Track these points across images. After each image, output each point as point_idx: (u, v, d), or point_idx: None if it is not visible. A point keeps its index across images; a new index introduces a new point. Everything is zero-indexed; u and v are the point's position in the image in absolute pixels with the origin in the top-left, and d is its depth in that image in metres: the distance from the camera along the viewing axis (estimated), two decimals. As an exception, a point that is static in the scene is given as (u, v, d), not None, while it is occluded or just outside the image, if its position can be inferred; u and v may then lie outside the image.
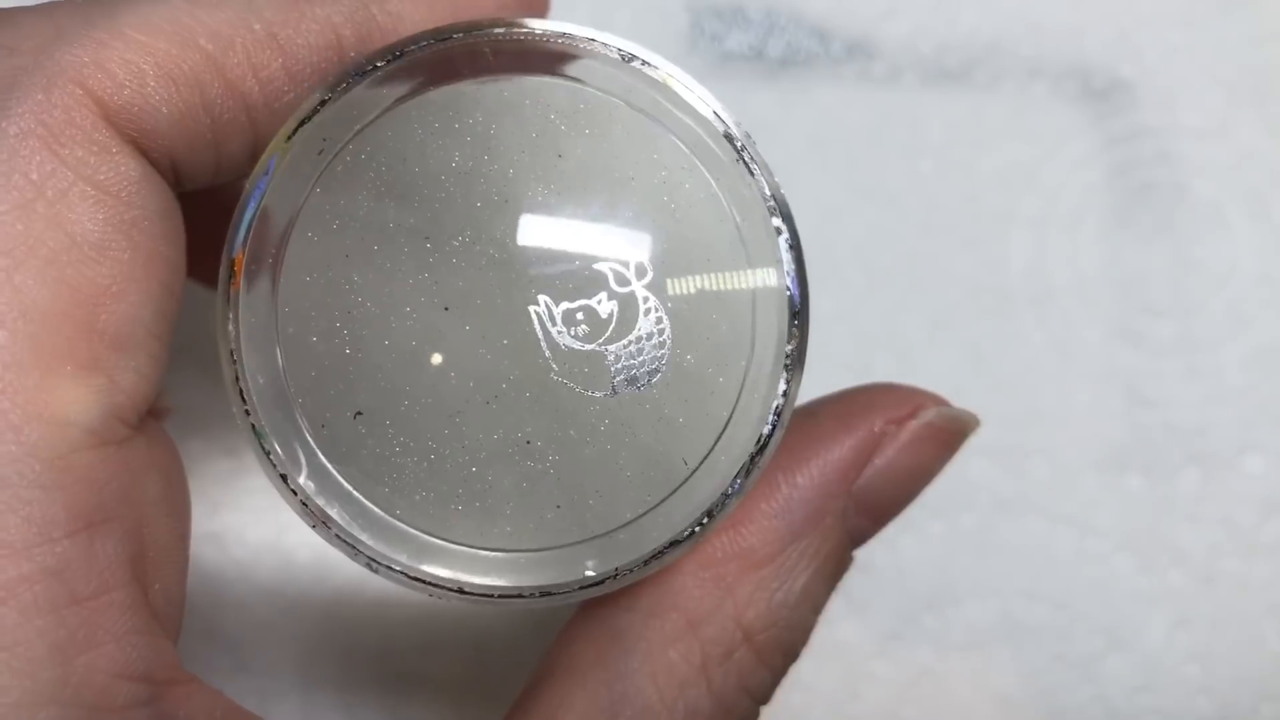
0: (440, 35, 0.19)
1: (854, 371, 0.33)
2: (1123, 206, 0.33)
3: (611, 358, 0.19)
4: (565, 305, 0.19)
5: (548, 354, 0.19)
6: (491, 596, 0.20)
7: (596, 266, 0.19)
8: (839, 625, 0.32)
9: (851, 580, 0.23)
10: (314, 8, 0.19)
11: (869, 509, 0.23)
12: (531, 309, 0.19)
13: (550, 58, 0.20)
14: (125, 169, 0.18)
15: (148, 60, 0.18)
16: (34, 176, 0.17)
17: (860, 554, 0.23)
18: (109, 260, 0.18)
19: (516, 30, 0.19)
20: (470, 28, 0.20)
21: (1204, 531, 0.32)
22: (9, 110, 0.17)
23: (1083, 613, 0.32)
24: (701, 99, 0.20)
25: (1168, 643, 0.32)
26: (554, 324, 0.19)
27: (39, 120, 0.17)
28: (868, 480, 0.22)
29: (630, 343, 0.19)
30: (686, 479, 0.20)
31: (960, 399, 0.24)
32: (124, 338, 0.18)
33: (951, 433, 0.23)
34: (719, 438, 0.20)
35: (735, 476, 0.20)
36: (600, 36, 0.20)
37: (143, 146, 0.18)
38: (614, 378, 0.19)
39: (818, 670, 0.31)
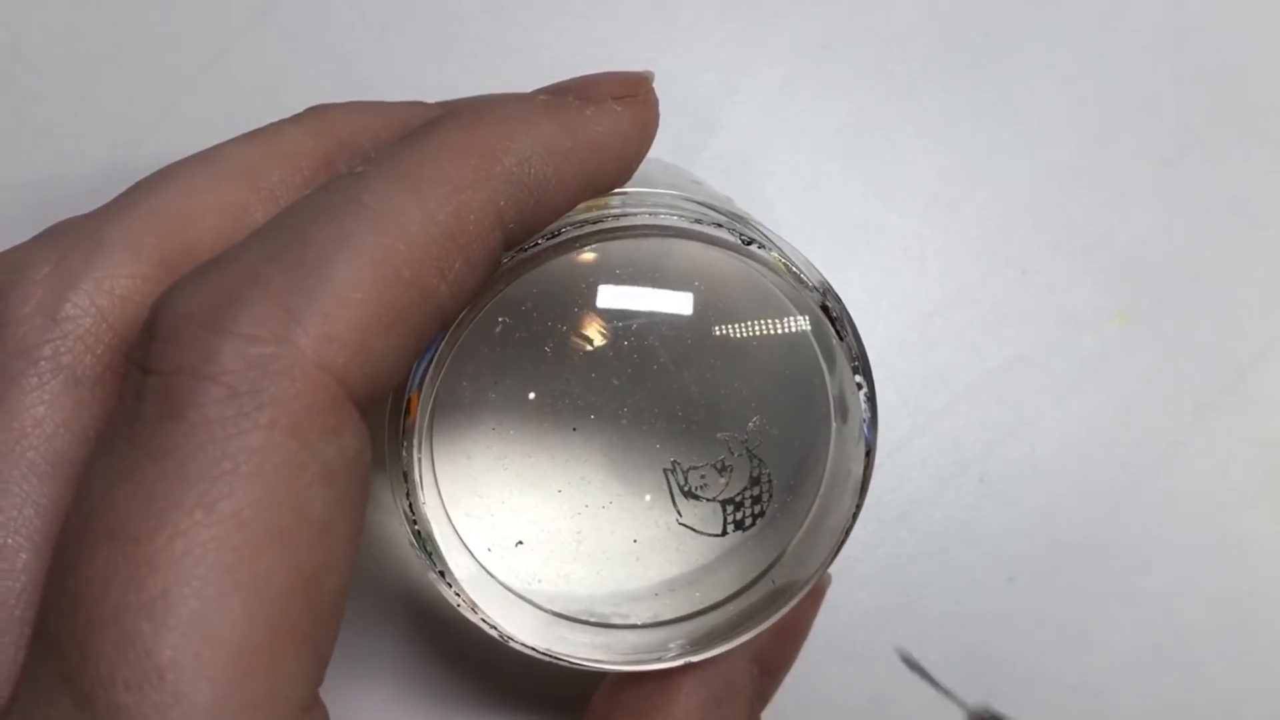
0: (592, 220, 0.21)
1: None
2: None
3: (730, 509, 0.23)
4: (692, 466, 0.22)
5: (677, 508, 0.23)
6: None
7: (719, 435, 0.22)
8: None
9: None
10: (476, 195, 0.19)
11: (767, 666, 0.27)
12: (664, 470, 0.22)
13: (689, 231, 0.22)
14: (349, 446, 0.18)
15: (369, 316, 0.18)
16: (280, 465, 0.17)
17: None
18: (331, 538, 0.18)
19: (662, 215, 0.22)
20: (604, 220, 0.22)
21: None
22: (261, 401, 0.17)
23: None
24: (807, 272, 0.22)
25: None
26: (683, 483, 0.22)
27: (285, 410, 0.17)
28: (763, 642, 0.25)
29: (741, 495, 0.23)
30: (751, 585, 0.23)
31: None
32: (331, 608, 0.18)
33: (823, 590, 0.29)
34: (778, 558, 0.23)
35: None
36: (726, 224, 0.22)
37: (364, 406, 0.19)
38: (725, 523, 0.23)
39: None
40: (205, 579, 0.16)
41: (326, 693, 0.19)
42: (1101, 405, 0.33)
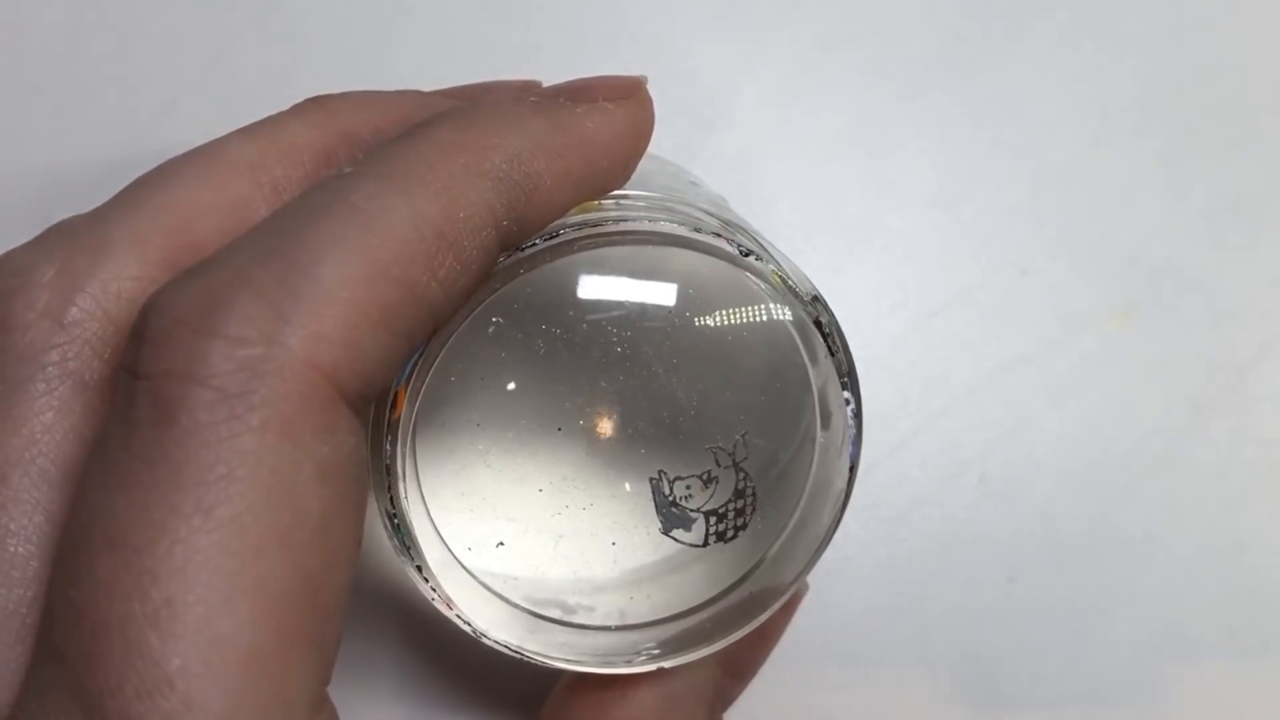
0: (591, 223, 0.21)
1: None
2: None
3: (713, 520, 0.22)
4: (678, 477, 0.22)
5: (660, 517, 0.22)
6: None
7: (707, 446, 0.22)
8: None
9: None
10: (466, 192, 0.19)
11: (733, 670, 0.28)
12: (650, 479, 0.22)
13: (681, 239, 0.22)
14: (344, 443, 0.18)
15: (358, 314, 0.18)
16: (275, 466, 0.17)
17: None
18: (330, 536, 0.18)
19: (661, 222, 0.22)
20: (607, 220, 0.22)
21: None
22: (252, 403, 0.17)
23: None
24: (801, 284, 0.22)
25: None
26: (668, 493, 0.22)
27: (277, 411, 0.17)
28: (732, 647, 0.24)
29: (725, 507, 0.22)
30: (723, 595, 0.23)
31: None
32: (334, 606, 0.18)
33: (798, 599, 0.29)
34: (755, 567, 0.23)
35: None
36: (724, 233, 0.22)
37: (356, 404, 0.18)
38: (708, 534, 0.23)
39: None
40: (209, 585, 0.16)
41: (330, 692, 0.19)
42: (1101, 405, 0.33)
